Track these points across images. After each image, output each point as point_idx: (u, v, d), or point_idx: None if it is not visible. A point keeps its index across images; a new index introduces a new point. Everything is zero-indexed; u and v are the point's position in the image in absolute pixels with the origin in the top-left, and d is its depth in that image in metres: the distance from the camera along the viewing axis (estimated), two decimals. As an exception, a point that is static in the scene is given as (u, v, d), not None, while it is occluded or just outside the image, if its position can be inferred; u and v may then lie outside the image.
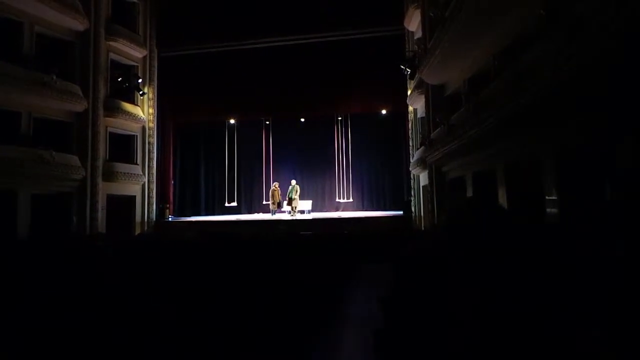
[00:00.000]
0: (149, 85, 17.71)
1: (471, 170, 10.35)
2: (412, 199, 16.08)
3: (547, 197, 6.46)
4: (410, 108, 16.32)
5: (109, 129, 15.83)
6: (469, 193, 10.40)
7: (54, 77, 13.40)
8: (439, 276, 1.62)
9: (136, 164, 16.96)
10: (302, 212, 17.98)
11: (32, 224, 12.61)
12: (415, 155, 15.27)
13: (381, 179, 19.19)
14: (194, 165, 20.37)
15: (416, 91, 14.40)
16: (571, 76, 4.82)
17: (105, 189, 15.32)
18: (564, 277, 1.56)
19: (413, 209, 15.94)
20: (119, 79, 15.93)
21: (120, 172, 15.88)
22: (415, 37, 15.15)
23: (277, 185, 17.62)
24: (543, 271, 1.54)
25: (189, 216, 19.09)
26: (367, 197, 19.40)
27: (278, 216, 17.01)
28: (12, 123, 12.86)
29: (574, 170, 5.78)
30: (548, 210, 6.41)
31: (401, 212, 16.44)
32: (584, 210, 5.38)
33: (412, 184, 16.22)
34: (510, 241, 1.59)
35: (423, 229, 14.33)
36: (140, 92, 16.91)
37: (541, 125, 6.43)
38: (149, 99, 17.68)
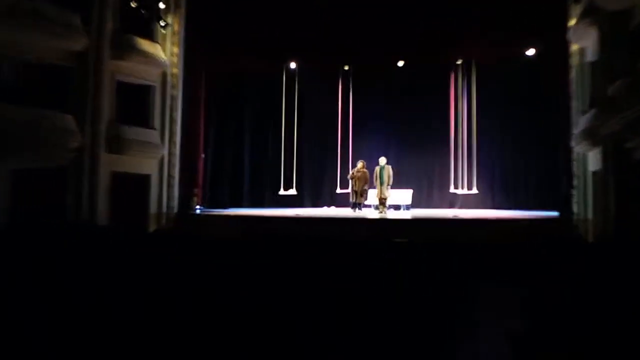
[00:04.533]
0: (175, 12, 18.08)
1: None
2: (575, 191, 15.42)
3: None
4: (574, 47, 15.61)
5: (117, 77, 16.44)
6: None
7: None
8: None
9: (153, 128, 17.50)
10: (397, 207, 18.16)
11: (11, 210, 13.45)
12: (580, 124, 14.77)
13: (523, 161, 18.98)
14: (235, 132, 20.97)
15: (583, 21, 13.90)
16: None
17: (109, 163, 15.96)
18: None
19: (575, 208, 15.31)
20: (132, 2, 16.29)
21: (131, 140, 16.43)
22: None
23: (363, 166, 17.55)
24: None
25: (227, 207, 19.60)
26: (499, 189, 19.31)
27: (361, 213, 17.06)
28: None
29: None
30: None
31: (556, 213, 15.95)
32: None
33: (574, 168, 15.60)
34: None
35: (593, 239, 13.61)
36: (162, 24, 17.23)
37: None
38: (173, 33, 18.11)
